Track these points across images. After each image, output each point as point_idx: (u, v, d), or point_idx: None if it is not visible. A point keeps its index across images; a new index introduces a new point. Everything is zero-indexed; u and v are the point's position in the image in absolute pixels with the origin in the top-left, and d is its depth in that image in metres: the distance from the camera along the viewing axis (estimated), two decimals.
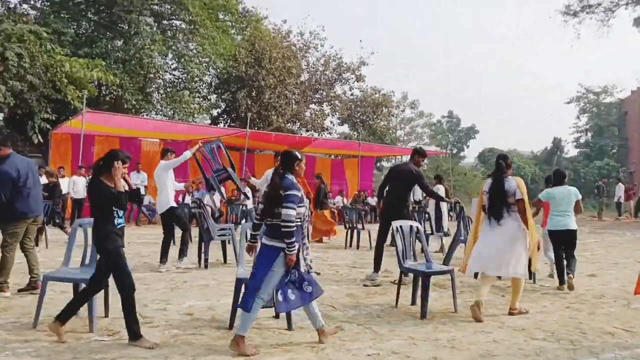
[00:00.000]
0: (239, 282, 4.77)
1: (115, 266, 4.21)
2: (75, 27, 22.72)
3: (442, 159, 43.51)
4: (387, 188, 7.43)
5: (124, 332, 4.46)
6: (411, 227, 6.12)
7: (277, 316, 5.07)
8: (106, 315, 4.92)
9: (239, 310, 4.24)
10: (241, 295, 4.36)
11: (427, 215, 10.95)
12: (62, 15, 22.11)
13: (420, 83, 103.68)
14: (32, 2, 23.16)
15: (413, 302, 5.80)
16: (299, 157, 4.35)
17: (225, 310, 5.17)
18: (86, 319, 4.53)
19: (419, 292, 5.56)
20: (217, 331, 4.61)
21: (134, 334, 4.13)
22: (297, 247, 4.08)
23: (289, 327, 4.70)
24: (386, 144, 33.78)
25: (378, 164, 40.05)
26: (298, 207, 4.08)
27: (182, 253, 8.02)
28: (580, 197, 7.08)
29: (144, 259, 8.76)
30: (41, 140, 17.33)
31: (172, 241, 8.08)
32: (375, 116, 33.92)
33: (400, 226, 5.99)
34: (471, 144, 61.77)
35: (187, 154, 8.19)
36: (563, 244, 7.01)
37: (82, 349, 3.97)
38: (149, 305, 5.47)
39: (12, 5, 22.37)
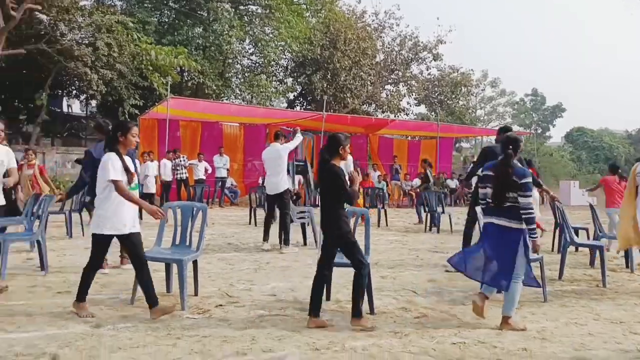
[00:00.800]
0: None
1: (354, 246, 4.35)
2: (158, 15, 23.68)
3: (525, 140, 41.76)
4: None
5: (214, 310, 4.66)
6: None
7: None
8: (196, 294, 5.14)
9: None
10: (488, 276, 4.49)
11: None
12: (145, 5, 23.09)
13: (502, 60, 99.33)
14: None
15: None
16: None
17: (307, 292, 5.22)
18: (177, 297, 4.74)
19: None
20: (301, 312, 4.69)
21: (359, 312, 4.28)
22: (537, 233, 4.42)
23: (371, 312, 4.69)
24: (465, 124, 32.80)
25: (457, 145, 39.02)
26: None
27: (287, 240, 8.04)
28: None
29: (227, 240, 9.06)
30: None
31: (272, 220, 8.25)
32: (453, 96, 32.98)
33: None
34: (557, 123, 58.66)
35: (299, 137, 8.70)
36: None
37: (175, 326, 4.17)
38: (235, 285, 5.65)
39: None
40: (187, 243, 5.23)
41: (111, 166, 4.27)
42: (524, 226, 4.32)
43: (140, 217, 7.05)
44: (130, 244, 4.45)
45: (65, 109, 28.39)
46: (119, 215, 4.36)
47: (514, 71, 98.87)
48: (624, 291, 5.85)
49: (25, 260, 6.69)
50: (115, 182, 4.28)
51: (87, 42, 19.19)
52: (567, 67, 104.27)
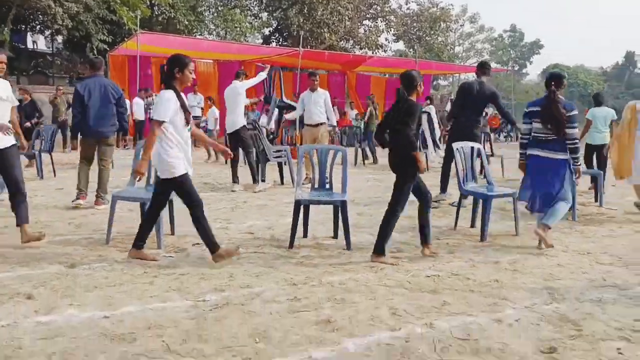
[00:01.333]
0: (297, 203, 4.80)
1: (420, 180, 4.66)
2: None
3: (502, 76, 41.66)
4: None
5: (190, 249, 4.67)
6: (472, 148, 5.91)
7: (335, 236, 5.14)
8: (172, 233, 5.13)
9: (520, 206, 5.37)
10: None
11: (485, 136, 10.63)
12: None
13: None
14: None
15: (472, 225, 5.72)
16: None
17: (284, 230, 5.27)
18: (154, 236, 4.72)
19: (479, 215, 5.47)
20: (278, 249, 4.73)
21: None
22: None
23: (348, 247, 4.75)
24: (444, 61, 32.49)
25: (435, 83, 38.81)
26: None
27: (256, 179, 8.06)
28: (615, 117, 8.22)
29: (203, 179, 9.01)
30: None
31: (238, 160, 8.20)
32: (432, 32, 32.52)
33: (462, 147, 5.82)
34: (535, 59, 58.62)
35: (262, 75, 8.70)
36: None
37: (152, 264, 4.17)
38: (212, 224, 5.61)
39: None
40: (327, 186, 5.23)
41: (162, 105, 3.98)
42: (568, 156, 4.84)
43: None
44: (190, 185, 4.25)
45: (30, 45, 27.17)
46: (187, 154, 4.18)
47: (493, 6, 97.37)
48: (592, 224, 6.02)
49: None
50: (154, 122, 4.01)
51: None
52: (547, 2, 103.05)
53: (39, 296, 3.43)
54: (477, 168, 6.32)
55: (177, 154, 4.10)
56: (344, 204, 4.79)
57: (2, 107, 4.62)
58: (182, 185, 4.17)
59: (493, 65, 42.95)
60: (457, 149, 5.80)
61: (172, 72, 4.14)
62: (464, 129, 6.73)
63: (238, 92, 8.20)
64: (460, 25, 45.64)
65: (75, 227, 5.41)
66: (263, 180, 8.34)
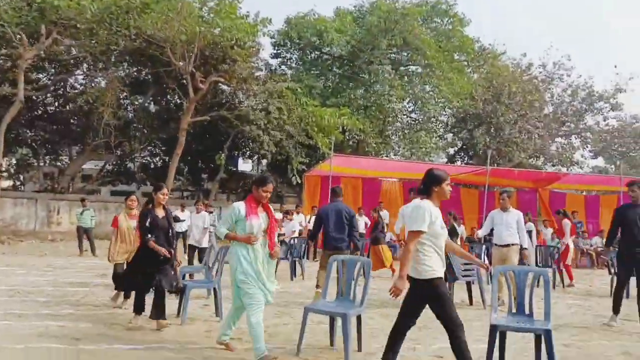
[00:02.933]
0: (494, 328, 4.40)
1: None
2: (323, 80, 25.22)
3: None
4: None
5: None
6: None
7: None
8: (359, 350, 5.03)
9: None
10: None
11: None
12: (312, 71, 24.79)
13: None
14: (288, 63, 26.50)
15: None
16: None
17: (477, 357, 4.81)
18: (341, 352, 4.66)
19: None
20: None
21: None
22: None
23: None
24: None
25: None
26: None
27: None
28: None
29: (389, 295, 8.87)
30: (299, 181, 19.33)
31: None
32: (637, 147, 29.64)
33: None
34: None
35: None
36: None
37: None
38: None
39: (272, 67, 25.95)
40: (351, 297, 5.19)
41: (421, 217, 4.02)
42: None
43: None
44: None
45: (240, 167, 31.13)
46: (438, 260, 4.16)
47: None
48: None
49: (202, 307, 7.19)
50: (414, 233, 4.01)
51: (260, 107, 21.05)
52: None
53: None
54: None
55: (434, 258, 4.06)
56: (548, 333, 4.26)
57: None
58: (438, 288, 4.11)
59: None
60: None
61: (429, 187, 4.14)
62: None
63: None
64: None
65: (268, 336, 5.62)
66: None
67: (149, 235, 5.77)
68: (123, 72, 22.52)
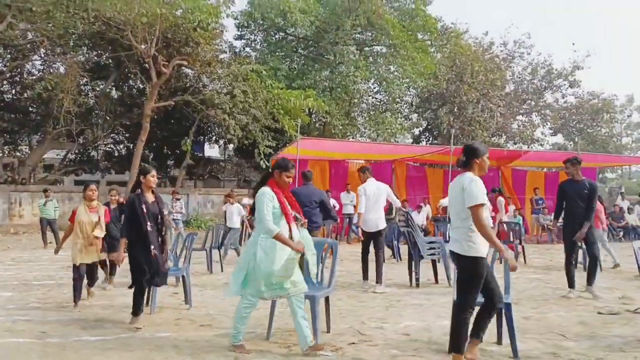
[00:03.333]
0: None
1: None
2: (288, 62, 25.05)
3: None
4: None
5: (347, 348, 4.62)
6: None
7: (499, 342, 4.74)
8: (328, 331, 5.14)
9: None
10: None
11: None
12: (277, 53, 24.58)
13: None
14: (252, 45, 26.21)
15: None
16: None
17: (442, 333, 4.99)
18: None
19: None
20: (437, 354, 4.47)
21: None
22: None
23: (515, 355, 4.32)
24: (609, 153, 30.09)
25: (601, 176, 35.79)
26: None
27: (380, 279, 7.77)
28: None
29: (357, 276, 9.03)
30: (267, 165, 19.26)
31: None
32: (594, 123, 30.62)
33: None
34: None
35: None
36: None
37: None
38: (366, 323, 5.57)
39: (237, 50, 25.63)
40: (318, 279, 5.27)
41: (481, 189, 4.01)
42: None
43: None
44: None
45: (206, 153, 30.86)
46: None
47: None
48: None
49: (172, 295, 7.19)
50: (478, 207, 3.96)
51: (225, 91, 20.82)
52: None
53: None
54: None
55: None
56: (508, 306, 4.45)
57: None
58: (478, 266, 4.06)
59: None
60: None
61: (471, 160, 4.18)
62: None
63: (387, 191, 8.13)
64: (628, 116, 42.41)
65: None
66: (417, 279, 8.11)
67: (125, 234, 5.34)
68: (83, 56, 21.89)
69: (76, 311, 6.08)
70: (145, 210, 5.33)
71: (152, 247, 5.29)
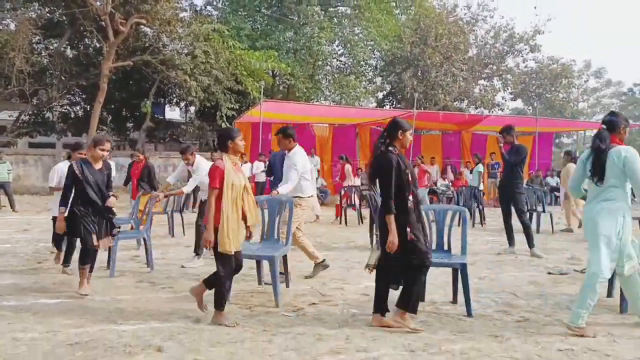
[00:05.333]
0: None
1: None
2: (251, 22, 24.46)
3: (635, 133, 38.61)
4: None
5: (307, 308, 4.71)
6: None
7: (455, 301, 4.91)
8: (287, 286, 5.23)
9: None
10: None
11: None
12: (239, 13, 23.95)
13: (607, 48, 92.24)
14: (214, 4, 25.43)
15: (609, 294, 5.18)
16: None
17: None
18: (271, 294, 4.83)
19: (616, 284, 4.95)
20: (394, 314, 4.60)
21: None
22: None
23: (469, 314, 4.51)
24: (566, 118, 30.91)
25: (557, 141, 36.84)
26: None
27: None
28: None
29: (318, 239, 9.14)
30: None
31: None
32: (553, 88, 31.26)
33: None
34: None
35: None
36: None
37: (270, 322, 4.25)
38: (327, 284, 5.67)
39: (197, 8, 24.82)
40: (276, 237, 5.32)
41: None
42: None
43: None
44: None
45: (167, 115, 30.16)
46: None
47: (620, 59, 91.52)
48: None
49: (132, 258, 7.14)
50: None
51: (186, 51, 20.23)
52: None
53: (168, 349, 3.62)
54: None
55: None
56: (464, 266, 4.60)
57: None
58: None
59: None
60: None
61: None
62: None
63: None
64: (585, 81, 43.42)
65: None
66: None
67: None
68: (34, 12, 20.79)
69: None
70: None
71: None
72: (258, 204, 4.94)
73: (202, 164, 6.82)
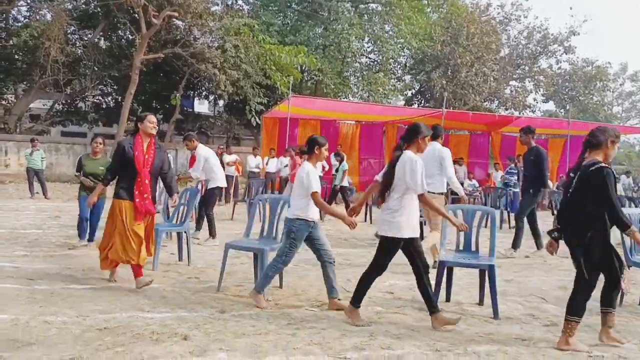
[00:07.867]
0: (442, 264, 4.65)
1: None
2: (281, 17, 24.52)
3: None
4: None
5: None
6: None
7: (481, 303, 4.85)
8: (280, 287, 5.22)
9: None
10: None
11: None
12: (270, 7, 24.03)
13: None
14: None
15: None
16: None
17: None
18: (296, 288, 4.84)
19: None
20: (419, 312, 4.57)
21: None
22: None
23: (495, 316, 4.45)
24: (600, 121, 30.21)
25: None
26: None
27: None
28: None
29: (344, 236, 9.13)
30: (258, 122, 19.08)
31: None
32: (586, 91, 30.56)
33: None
34: None
35: None
36: None
37: (295, 317, 4.26)
38: (352, 281, 5.63)
39: (229, 2, 24.99)
40: (273, 235, 5.33)
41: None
42: None
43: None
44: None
45: (195, 109, 30.49)
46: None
47: None
48: None
49: (161, 248, 7.21)
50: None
51: (216, 45, 20.39)
52: None
53: (194, 338, 3.66)
54: None
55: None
56: (492, 268, 4.54)
57: None
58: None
59: None
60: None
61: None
62: None
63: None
64: (620, 84, 42.40)
65: (227, 275, 5.74)
66: None
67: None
68: (70, 4, 21.26)
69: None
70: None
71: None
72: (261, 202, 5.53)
73: (201, 150, 7.69)
